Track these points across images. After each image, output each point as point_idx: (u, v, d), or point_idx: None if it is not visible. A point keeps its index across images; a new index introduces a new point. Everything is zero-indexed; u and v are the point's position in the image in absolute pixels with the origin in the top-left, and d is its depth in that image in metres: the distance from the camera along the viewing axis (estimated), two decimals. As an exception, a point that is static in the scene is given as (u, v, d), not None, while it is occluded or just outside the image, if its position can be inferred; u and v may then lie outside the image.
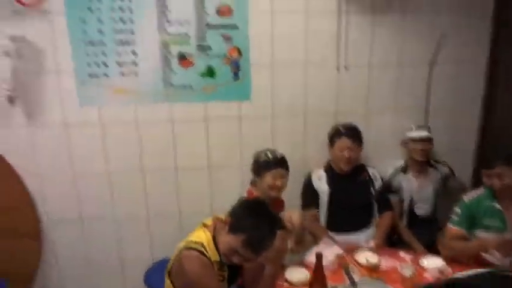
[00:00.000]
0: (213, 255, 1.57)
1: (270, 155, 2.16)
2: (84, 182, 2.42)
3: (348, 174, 2.45)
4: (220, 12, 2.33)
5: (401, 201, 2.59)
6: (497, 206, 2.03)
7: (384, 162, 2.68)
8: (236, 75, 2.42)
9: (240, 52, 2.39)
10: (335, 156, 2.43)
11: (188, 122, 2.45)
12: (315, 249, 2.02)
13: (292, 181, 2.48)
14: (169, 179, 2.49)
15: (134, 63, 2.33)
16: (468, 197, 2.13)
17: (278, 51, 2.44)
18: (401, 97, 2.65)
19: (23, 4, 2.17)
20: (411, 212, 2.59)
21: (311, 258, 1.97)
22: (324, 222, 2.47)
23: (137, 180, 2.46)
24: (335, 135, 2.44)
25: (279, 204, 2.25)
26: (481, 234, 2.04)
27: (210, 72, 2.39)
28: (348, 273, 1.76)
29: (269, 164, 2.13)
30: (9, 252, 2.28)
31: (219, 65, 2.39)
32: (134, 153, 2.43)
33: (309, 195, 2.46)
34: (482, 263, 2.00)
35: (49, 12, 2.20)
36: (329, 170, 2.48)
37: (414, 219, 2.58)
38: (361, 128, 2.52)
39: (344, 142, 2.37)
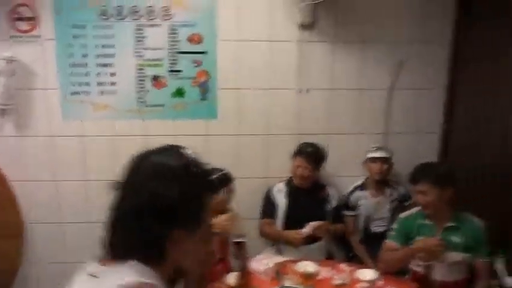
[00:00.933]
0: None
1: (220, 174, 2.26)
2: (64, 189, 2.69)
3: (307, 190, 2.61)
4: (190, 40, 2.59)
5: (357, 217, 2.73)
6: (428, 223, 2.15)
7: (345, 181, 2.86)
8: (204, 95, 2.67)
9: (208, 75, 2.64)
10: (292, 171, 2.61)
11: (160, 137, 2.68)
12: (258, 257, 2.20)
13: (255, 195, 2.71)
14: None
15: (113, 84, 2.62)
16: (405, 214, 2.27)
17: (243, 75, 2.68)
18: (361, 120, 2.82)
19: (20, 31, 2.51)
20: (367, 229, 2.72)
21: (255, 265, 2.15)
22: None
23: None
24: (295, 152, 2.62)
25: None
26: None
27: (180, 93, 2.65)
28: (278, 276, 1.92)
29: (223, 182, 2.27)
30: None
31: (188, 86, 2.65)
32: (111, 164, 2.67)
33: (267, 206, 2.64)
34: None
35: (41, 38, 2.53)
36: (289, 184, 2.65)
37: (369, 236, 2.71)
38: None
39: (299, 161, 2.55)
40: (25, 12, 2.50)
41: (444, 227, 2.12)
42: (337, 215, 2.65)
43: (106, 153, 2.67)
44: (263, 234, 2.60)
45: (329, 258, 2.59)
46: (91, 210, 2.73)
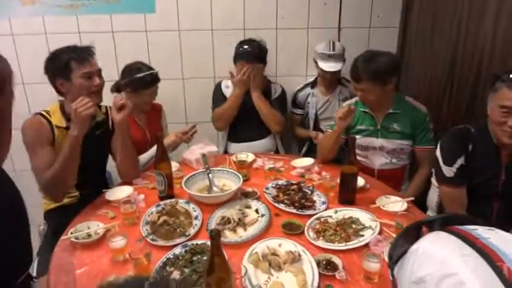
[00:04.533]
0: (57, 119, 1.75)
1: (147, 73, 2.12)
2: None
3: (252, 87, 2.48)
4: None
5: (306, 116, 2.65)
6: (369, 111, 2.06)
7: (296, 80, 2.73)
8: (139, -14, 2.46)
9: (141, -39, 2.42)
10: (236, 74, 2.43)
11: (96, 34, 2.52)
12: (192, 147, 2.15)
13: (201, 92, 2.66)
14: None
15: (39, -27, 2.40)
16: (346, 103, 2.17)
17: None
18: (313, 12, 2.64)
19: None
20: (317, 127, 2.64)
21: (187, 155, 2.10)
22: (226, 133, 2.58)
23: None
24: (235, 56, 2.41)
25: (158, 108, 2.38)
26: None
27: (113, -17, 2.44)
28: (204, 161, 1.87)
29: (149, 83, 2.13)
30: None
31: (120, -25, 2.43)
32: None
33: (217, 98, 2.51)
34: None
35: None
36: None
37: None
38: (271, 44, 2.57)
39: (242, 64, 2.35)
40: None
41: (385, 114, 2.04)
42: (280, 105, 2.51)
43: (38, 52, 2.51)
44: (216, 118, 2.49)
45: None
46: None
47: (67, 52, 1.72)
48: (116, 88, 2.16)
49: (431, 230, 0.64)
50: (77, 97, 1.63)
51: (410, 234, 0.67)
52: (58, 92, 1.78)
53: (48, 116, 1.74)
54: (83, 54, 1.73)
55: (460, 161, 1.64)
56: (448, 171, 1.67)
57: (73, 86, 1.71)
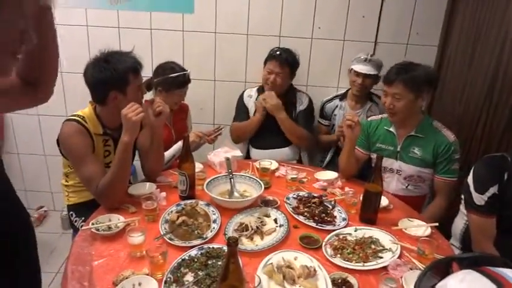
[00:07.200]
0: (94, 127, 1.72)
1: (180, 74, 2.17)
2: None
3: (277, 95, 2.45)
4: None
5: (332, 127, 2.62)
6: (392, 130, 2.01)
7: (326, 90, 2.71)
8: (180, -15, 2.50)
9: (184, -37, 2.46)
10: (263, 78, 2.45)
11: (134, 30, 2.58)
12: (217, 150, 2.16)
13: (230, 95, 2.65)
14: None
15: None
16: (371, 119, 2.13)
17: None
18: (350, 24, 2.60)
19: None
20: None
21: (212, 157, 2.11)
22: (248, 140, 2.58)
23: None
24: (267, 57, 2.44)
25: (184, 108, 2.43)
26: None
27: (154, -19, 2.49)
28: (228, 164, 1.87)
29: (181, 84, 2.19)
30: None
31: (162, -26, 2.48)
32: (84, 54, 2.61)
33: (239, 109, 2.54)
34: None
35: None
36: (261, 90, 2.52)
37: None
38: (305, 53, 2.56)
39: (272, 65, 2.38)
40: None
41: (407, 136, 1.97)
42: (302, 122, 2.47)
43: (77, 43, 2.60)
44: (233, 131, 2.52)
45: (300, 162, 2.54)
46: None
47: (122, 62, 1.64)
48: (147, 86, 2.19)
49: (461, 267, 0.62)
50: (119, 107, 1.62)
51: (439, 269, 0.64)
52: (99, 102, 1.72)
53: (84, 123, 1.69)
54: (136, 65, 1.68)
55: (493, 190, 1.55)
56: (479, 199, 1.59)
57: (124, 100, 1.65)
